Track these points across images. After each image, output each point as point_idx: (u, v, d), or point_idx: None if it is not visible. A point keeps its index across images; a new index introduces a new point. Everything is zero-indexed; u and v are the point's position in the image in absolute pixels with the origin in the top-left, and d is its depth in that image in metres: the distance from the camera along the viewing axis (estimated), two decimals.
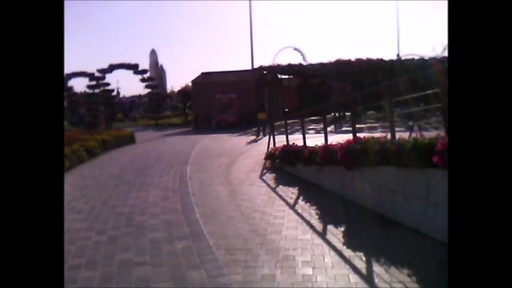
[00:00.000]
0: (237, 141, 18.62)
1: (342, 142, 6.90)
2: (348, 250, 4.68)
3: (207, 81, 31.92)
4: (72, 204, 7.45)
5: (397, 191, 5.37)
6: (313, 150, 8.13)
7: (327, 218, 5.95)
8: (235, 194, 7.83)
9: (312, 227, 5.58)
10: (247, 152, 14.64)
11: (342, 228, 5.44)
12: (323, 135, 8.41)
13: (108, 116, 35.98)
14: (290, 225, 5.70)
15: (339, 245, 4.84)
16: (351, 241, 4.96)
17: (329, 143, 7.75)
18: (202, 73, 33.66)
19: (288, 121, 19.69)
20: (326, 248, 4.79)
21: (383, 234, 5.17)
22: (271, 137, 11.88)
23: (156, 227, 5.81)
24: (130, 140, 20.29)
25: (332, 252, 4.65)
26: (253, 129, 20.39)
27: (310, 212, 6.27)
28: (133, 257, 4.75)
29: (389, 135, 5.83)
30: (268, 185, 8.52)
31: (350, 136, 6.84)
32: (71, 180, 9.95)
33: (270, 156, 10.96)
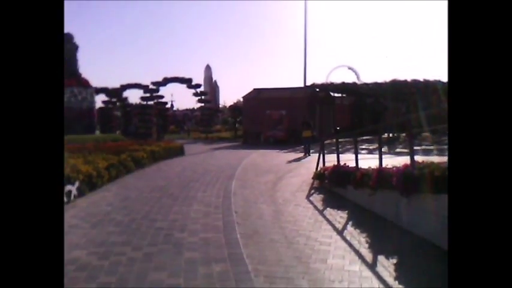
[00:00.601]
0: (285, 158, 18.21)
1: (398, 165, 6.36)
2: (400, 286, 4.16)
3: (258, 97, 31.88)
4: (111, 215, 7.31)
5: None
6: (366, 172, 7.59)
7: (378, 247, 5.41)
8: (279, 214, 7.42)
9: (360, 256, 5.07)
10: (295, 169, 14.19)
11: (394, 260, 4.90)
12: (376, 155, 7.86)
13: (160, 128, 36.67)
14: (337, 253, 5.21)
15: (390, 280, 4.32)
16: (403, 276, 4.43)
17: (383, 165, 7.20)
18: (254, 89, 33.68)
19: (340, 140, 19.25)
20: (375, 282, 4.28)
21: (440, 270, 4.58)
22: (321, 155, 11.38)
23: (194, 246, 5.51)
24: (179, 152, 20.38)
25: (382, 286, 4.15)
26: (302, 146, 19.83)
27: (360, 240, 5.75)
28: (165, 278, 4.46)
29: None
30: (315, 206, 8.04)
31: (404, 158, 6.30)
32: (114, 190, 9.92)
33: (318, 176, 10.47)
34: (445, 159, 5.94)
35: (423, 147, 19.36)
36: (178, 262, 4.91)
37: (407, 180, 5.67)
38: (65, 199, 8.28)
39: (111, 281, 4.34)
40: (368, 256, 5.09)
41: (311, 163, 15.00)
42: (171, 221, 6.83)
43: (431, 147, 18.89)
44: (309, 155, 18.29)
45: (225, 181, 11.26)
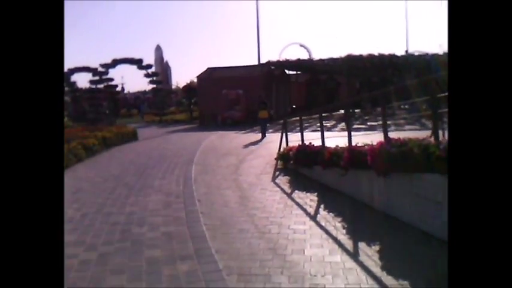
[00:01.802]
0: (244, 139, 17.67)
1: (369, 143, 6.00)
2: (389, 277, 3.79)
3: (212, 77, 30.93)
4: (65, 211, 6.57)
5: (443, 204, 4.44)
6: (335, 151, 7.21)
7: (356, 233, 5.04)
8: (246, 200, 6.93)
9: (340, 245, 4.68)
10: (256, 151, 13.72)
11: (377, 247, 4.54)
12: (335, 133, 7.50)
13: (111, 112, 35.14)
14: (314, 242, 4.79)
15: (377, 270, 3.96)
16: (389, 264, 4.08)
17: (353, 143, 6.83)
18: (208, 68, 32.67)
19: (295, 118, 18.82)
20: (362, 274, 3.90)
21: (426, 255, 4.26)
22: (283, 135, 10.94)
23: (156, 242, 4.94)
24: (132, 137, 19.43)
25: (370, 281, 3.77)
26: (260, 127, 19.15)
27: (336, 225, 5.36)
28: (125, 282, 3.89)
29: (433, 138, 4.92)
30: (282, 190, 7.60)
31: (365, 135, 5.98)
32: (64, 181, 9.09)
33: (282, 156, 10.03)
34: (417, 134, 5.64)
35: (379, 123, 19.44)
36: (139, 263, 4.35)
37: (384, 159, 5.30)
38: None
39: None
40: (348, 244, 4.71)
41: (272, 143, 14.59)
42: (128, 214, 6.20)
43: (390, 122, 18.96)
44: (265, 137, 17.51)
45: (184, 166, 10.63)
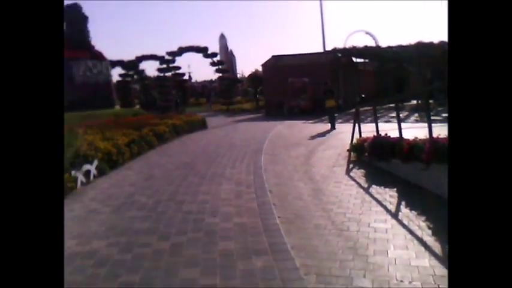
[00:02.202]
0: (313, 129, 17.31)
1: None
2: None
3: (277, 65, 30.58)
4: (135, 197, 6.66)
5: None
6: (415, 143, 6.72)
7: (443, 234, 4.60)
8: (320, 193, 6.64)
9: (427, 247, 4.27)
10: (326, 141, 13.33)
11: None
12: (410, 124, 6.97)
13: (181, 100, 35.89)
14: (397, 242, 4.42)
15: None
16: None
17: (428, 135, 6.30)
18: (273, 56, 32.30)
19: (365, 108, 18.10)
20: None
21: None
22: (356, 126, 10.47)
23: (229, 234, 4.80)
24: (202, 125, 19.69)
25: None
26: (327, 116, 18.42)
27: (420, 225, 4.94)
28: (198, 276, 3.76)
29: None
30: (358, 184, 7.22)
31: (442, 126, 5.46)
32: (138, 168, 9.28)
33: (356, 148, 9.59)
34: None
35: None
36: (212, 255, 4.21)
37: None
38: (84, 179, 7.67)
39: (134, 281, 3.68)
40: (436, 246, 4.29)
41: (342, 134, 14.14)
42: (201, 203, 6.14)
43: None
44: (334, 129, 16.58)
45: (254, 156, 10.51)
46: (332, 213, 5.53)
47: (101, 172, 8.48)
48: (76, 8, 27.73)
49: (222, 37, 74.08)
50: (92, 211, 5.92)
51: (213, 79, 62.55)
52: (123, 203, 6.29)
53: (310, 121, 21.34)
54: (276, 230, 4.91)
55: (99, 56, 28.43)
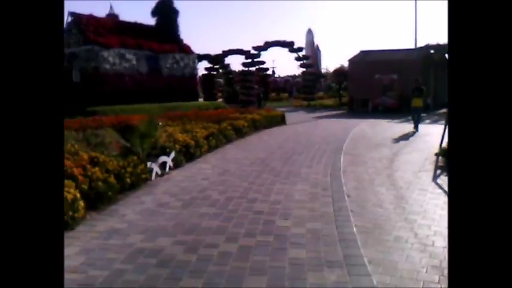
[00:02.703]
0: (398, 129, 16.32)
1: None
2: None
3: (365, 61, 29.42)
4: (207, 192, 6.51)
5: None
6: None
7: None
8: (403, 201, 6.04)
9: None
10: (412, 143, 12.44)
11: None
12: None
13: (263, 95, 35.93)
14: None
15: None
16: None
17: None
18: (361, 51, 31.20)
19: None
20: None
21: None
22: (446, 128, 9.56)
23: (301, 240, 4.44)
24: (281, 121, 19.42)
25: None
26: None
27: None
28: (264, 286, 3.45)
29: None
30: (446, 193, 6.50)
31: None
32: (213, 162, 9.20)
33: (444, 152, 8.75)
34: None
35: None
36: (281, 263, 3.88)
37: None
38: (159, 171, 7.69)
39: (195, 286, 3.45)
40: None
41: (429, 136, 13.15)
42: (273, 203, 5.83)
43: None
44: (417, 130, 15.41)
45: (332, 155, 10.01)
46: (415, 225, 4.95)
47: (177, 164, 8.49)
48: (168, 2, 28.60)
49: (309, 32, 73.23)
50: (163, 205, 5.84)
51: (296, 74, 62.20)
52: (194, 198, 6.16)
53: (395, 120, 20.24)
54: (353, 240, 4.47)
55: (186, 50, 29.14)
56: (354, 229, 4.82)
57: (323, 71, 57.55)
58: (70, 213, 4.91)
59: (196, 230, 4.78)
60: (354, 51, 47.72)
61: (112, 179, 6.19)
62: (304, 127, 18.36)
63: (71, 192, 5.08)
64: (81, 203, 5.19)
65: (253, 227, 4.88)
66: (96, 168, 6.25)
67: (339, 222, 5.03)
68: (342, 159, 9.39)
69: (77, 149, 6.93)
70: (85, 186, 5.69)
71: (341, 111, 29.71)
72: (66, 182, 5.38)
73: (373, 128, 17.27)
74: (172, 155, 8.45)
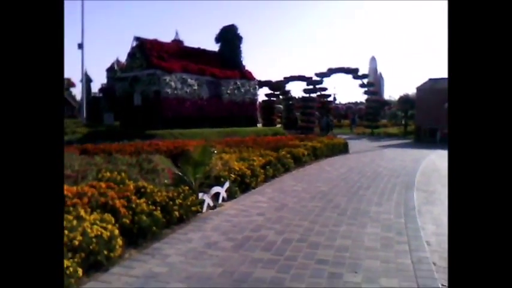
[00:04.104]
0: None
1: None
2: None
3: (434, 88, 27.82)
4: (262, 231, 5.73)
5: None
6: None
7: None
8: None
9: None
10: None
11: None
12: None
13: (325, 122, 34.90)
14: None
15: None
16: None
17: None
18: (430, 79, 29.67)
19: None
20: None
21: None
22: None
23: None
24: (343, 149, 18.40)
25: None
26: None
27: None
28: None
29: None
30: None
31: None
32: (270, 194, 8.42)
33: None
34: None
35: None
36: None
37: None
38: (211, 203, 7.03)
39: None
40: None
41: None
42: (339, 250, 4.94)
43: None
44: None
45: (403, 191, 8.94)
46: None
47: (230, 195, 7.81)
48: (232, 28, 28.71)
49: (373, 59, 72.04)
50: (211, 245, 5.12)
51: (358, 101, 60.67)
52: (247, 238, 5.40)
53: None
54: None
55: (248, 76, 29.00)
56: None
57: (386, 98, 55.73)
58: (105, 252, 4.32)
59: (246, 281, 4.00)
60: (420, 79, 45.72)
61: (158, 213, 5.58)
62: (368, 157, 17.19)
63: (108, 228, 4.50)
64: (119, 241, 4.59)
65: (316, 281, 4.03)
66: (142, 200, 5.69)
67: (421, 279, 4.08)
68: (415, 197, 8.31)
69: (123, 178, 6.43)
70: (127, 220, 5.12)
71: (407, 141, 28.11)
72: (106, 216, 4.83)
73: (444, 160, 15.80)
74: (227, 185, 7.79)
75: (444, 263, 4.60)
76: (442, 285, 3.99)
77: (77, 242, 4.06)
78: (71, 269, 3.77)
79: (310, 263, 4.51)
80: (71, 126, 26.72)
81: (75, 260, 3.97)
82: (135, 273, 4.21)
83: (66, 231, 4.09)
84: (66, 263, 3.76)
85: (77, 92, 46.07)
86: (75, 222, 4.41)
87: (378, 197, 8.25)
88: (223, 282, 3.99)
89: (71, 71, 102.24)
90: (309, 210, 7.03)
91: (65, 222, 4.28)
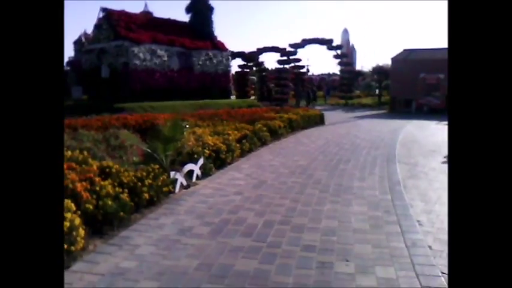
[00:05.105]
0: None
1: None
2: None
3: (409, 59, 27.68)
4: (241, 212, 5.26)
5: None
6: None
7: None
8: None
9: None
10: None
11: None
12: None
13: (299, 93, 34.44)
14: None
15: None
16: None
17: None
18: (405, 50, 29.49)
19: None
20: None
21: None
22: None
23: None
24: (319, 120, 18.03)
25: None
26: None
27: None
28: None
29: None
30: None
31: None
32: (247, 170, 7.93)
33: None
34: None
35: None
36: None
37: None
38: (184, 182, 6.50)
39: None
40: None
41: None
42: (325, 233, 4.53)
43: None
44: None
45: (385, 164, 8.61)
46: None
47: (205, 172, 7.29)
48: None
49: (345, 32, 71.53)
50: (186, 231, 4.62)
51: (330, 72, 60.34)
52: (225, 222, 4.93)
53: (443, 122, 18.49)
54: None
55: (220, 47, 28.08)
56: (443, 278, 3.48)
57: (358, 69, 55.63)
58: (65, 246, 3.75)
59: (226, 276, 3.53)
60: (392, 50, 45.61)
61: (125, 196, 5.02)
62: (345, 128, 16.86)
63: (67, 218, 3.92)
64: (81, 232, 4.03)
65: (304, 273, 3.60)
66: (107, 181, 5.10)
67: (419, 267, 3.71)
68: (398, 169, 7.98)
69: (86, 156, 5.80)
70: (90, 206, 4.54)
71: (382, 111, 28.03)
72: (65, 202, 4.24)
73: (421, 131, 15.66)
74: (201, 161, 7.25)
75: (440, 246, 4.24)
76: (442, 272, 3.63)
77: None
78: None
79: (296, 250, 4.08)
80: None
81: None
82: (100, 269, 3.68)
83: None
84: None
85: None
86: None
87: (360, 171, 7.88)
88: (200, 277, 3.51)
89: None
90: (289, 187, 6.59)
91: None
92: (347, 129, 16.45)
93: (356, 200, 5.84)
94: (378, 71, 35.64)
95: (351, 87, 37.77)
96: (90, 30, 30.10)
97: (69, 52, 40.35)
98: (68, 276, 3.53)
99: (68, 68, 35.19)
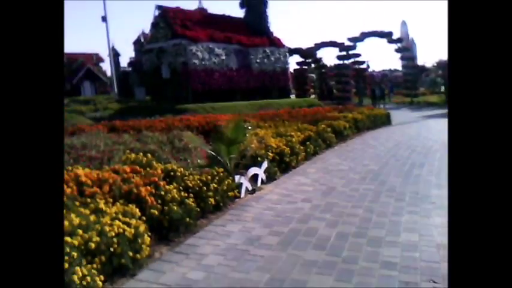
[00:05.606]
0: None
1: None
2: None
3: None
4: (311, 222, 4.95)
5: None
6: None
7: None
8: None
9: None
10: None
11: None
12: None
13: (361, 91, 33.36)
14: None
15: None
16: None
17: None
18: None
19: None
20: None
21: None
22: None
23: None
24: (385, 120, 17.28)
25: None
26: None
27: None
28: None
29: None
30: None
31: None
32: (313, 175, 7.59)
33: None
34: None
35: None
36: None
37: None
38: (249, 187, 6.28)
39: None
40: None
41: None
42: (406, 249, 4.11)
43: None
44: None
45: None
46: None
47: (269, 177, 7.03)
48: None
49: (404, 24, 68.98)
50: (254, 240, 4.37)
51: (392, 68, 58.20)
52: (295, 232, 4.63)
53: None
54: None
55: (277, 43, 27.72)
56: None
57: (422, 64, 53.26)
58: (130, 253, 3.63)
59: None
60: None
61: (191, 201, 4.87)
62: (414, 128, 15.98)
63: (132, 224, 3.79)
64: (147, 239, 3.89)
65: None
66: (172, 186, 4.97)
67: None
68: None
69: (150, 159, 5.72)
70: (155, 212, 4.42)
71: None
72: (129, 207, 4.13)
73: None
74: (265, 165, 7.01)
75: None
76: (433, 281, 3.15)
77: (93, 245, 3.36)
78: (88, 279, 3.11)
79: (375, 267, 3.70)
80: (103, 102, 26.45)
81: (94, 266, 3.30)
82: (166, 280, 3.52)
83: (80, 231, 3.41)
84: (82, 271, 3.09)
85: (107, 67, 45.87)
86: (92, 217, 3.73)
87: (436, 177, 7.28)
88: None
89: (98, 46, 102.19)
90: (361, 194, 6.18)
91: (80, 218, 3.61)
92: (416, 129, 15.58)
93: (436, 211, 5.33)
94: (444, 65, 33.82)
95: (415, 84, 36.17)
96: (147, 30, 30.87)
97: (130, 53, 41.49)
98: (134, 286, 3.39)
99: (130, 69, 36.27)
